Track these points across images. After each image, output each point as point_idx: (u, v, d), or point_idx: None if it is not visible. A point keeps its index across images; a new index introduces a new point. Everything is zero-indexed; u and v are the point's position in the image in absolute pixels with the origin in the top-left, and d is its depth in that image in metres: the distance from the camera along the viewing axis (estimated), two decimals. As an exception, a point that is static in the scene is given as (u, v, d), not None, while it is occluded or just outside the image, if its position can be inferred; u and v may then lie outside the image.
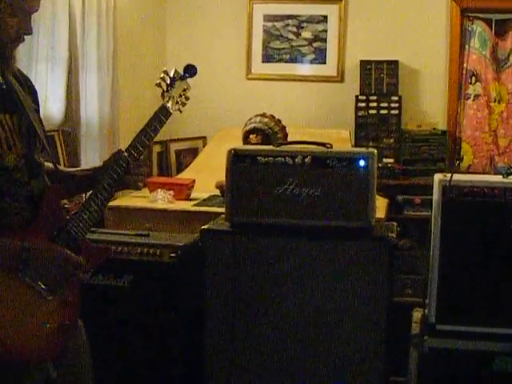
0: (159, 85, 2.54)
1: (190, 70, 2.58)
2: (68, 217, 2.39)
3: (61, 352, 2.33)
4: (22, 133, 2.32)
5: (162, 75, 2.55)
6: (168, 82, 2.53)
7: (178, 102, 2.55)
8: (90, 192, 2.43)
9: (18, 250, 2.18)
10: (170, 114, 2.51)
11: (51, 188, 2.39)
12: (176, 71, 2.57)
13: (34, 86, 2.49)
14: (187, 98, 2.59)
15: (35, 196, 2.33)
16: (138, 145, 2.46)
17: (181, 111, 2.58)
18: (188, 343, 3.68)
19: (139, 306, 3.66)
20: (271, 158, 3.33)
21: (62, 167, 2.79)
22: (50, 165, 2.50)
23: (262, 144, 4.77)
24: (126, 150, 2.46)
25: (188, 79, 2.60)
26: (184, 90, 2.58)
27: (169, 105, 2.51)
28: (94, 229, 3.64)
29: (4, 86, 2.30)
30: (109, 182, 2.41)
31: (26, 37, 2.30)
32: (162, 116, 2.48)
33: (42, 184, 2.38)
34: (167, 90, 2.52)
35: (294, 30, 6.57)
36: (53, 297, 2.28)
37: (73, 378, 2.46)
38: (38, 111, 2.47)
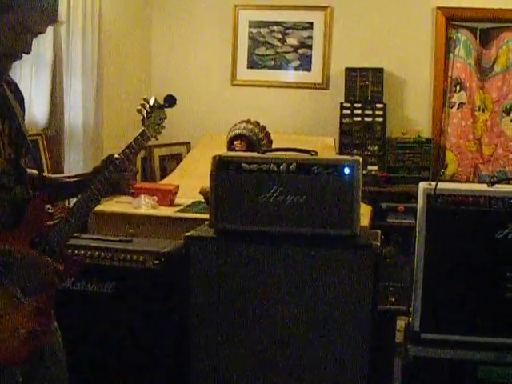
0: (140, 111, 2.59)
1: (170, 100, 2.64)
2: (51, 223, 2.40)
3: (31, 357, 2.33)
4: (10, 138, 2.33)
5: (142, 102, 2.61)
6: (148, 109, 2.59)
7: (155, 129, 2.60)
8: (75, 201, 2.45)
9: (1, 253, 2.18)
10: (149, 137, 2.57)
11: (37, 195, 2.39)
12: (156, 100, 2.62)
13: (22, 94, 2.50)
14: (163, 127, 2.64)
15: (18, 202, 2.33)
16: (119, 166, 2.50)
17: (157, 138, 2.64)
18: (172, 350, 3.66)
19: (122, 313, 3.63)
20: (256, 165, 3.32)
21: (47, 174, 2.81)
22: (35, 171, 2.50)
23: (246, 150, 4.76)
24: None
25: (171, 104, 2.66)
26: (161, 119, 2.63)
27: (147, 130, 2.57)
28: (77, 234, 3.66)
29: None
30: (98, 186, 2.44)
31: None
32: (141, 139, 2.54)
33: (25, 190, 2.38)
34: (147, 117, 2.58)
35: (280, 36, 6.58)
36: (28, 301, 2.27)
37: (49, 382, 2.46)
38: (23, 118, 2.47)
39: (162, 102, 2.63)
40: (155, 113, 2.60)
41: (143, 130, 2.55)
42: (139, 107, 2.60)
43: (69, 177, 2.68)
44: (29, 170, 2.48)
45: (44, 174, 2.59)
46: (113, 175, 2.46)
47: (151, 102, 2.61)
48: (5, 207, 2.28)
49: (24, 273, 2.24)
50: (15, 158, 2.35)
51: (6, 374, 2.27)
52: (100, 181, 2.45)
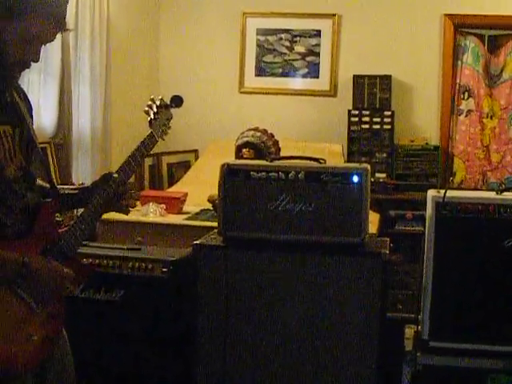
0: (147, 112, 2.60)
1: (176, 101, 2.66)
2: (60, 231, 2.42)
3: (42, 362, 2.36)
4: (21, 145, 2.35)
5: (149, 102, 2.61)
6: (155, 110, 2.60)
7: (162, 131, 2.61)
8: (82, 210, 2.46)
9: (19, 264, 2.20)
10: (157, 140, 2.58)
11: (47, 202, 2.42)
12: (162, 100, 2.64)
13: (30, 102, 2.52)
14: (169, 127, 2.65)
15: (30, 208, 2.35)
16: (126, 168, 2.51)
17: (163, 139, 2.63)
18: (180, 358, 3.65)
19: (130, 321, 3.63)
20: (264, 173, 3.31)
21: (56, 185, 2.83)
22: (45, 183, 2.52)
23: (254, 158, 4.75)
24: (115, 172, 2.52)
25: (175, 107, 2.67)
26: (167, 119, 2.65)
27: (155, 133, 2.57)
28: (85, 242, 3.66)
29: (8, 99, 2.33)
30: (98, 201, 2.45)
31: None
32: (149, 142, 2.55)
33: (36, 197, 2.40)
34: (154, 118, 2.58)
35: (287, 44, 6.59)
36: (41, 309, 2.31)
37: None
38: (32, 125, 2.48)
39: (168, 102, 2.64)
40: (162, 113, 2.61)
41: (151, 133, 2.56)
42: (146, 108, 2.61)
43: (70, 189, 2.70)
44: (39, 181, 2.49)
45: (55, 185, 2.60)
46: (110, 192, 2.47)
47: (158, 101, 2.62)
48: (17, 214, 2.31)
49: (38, 283, 2.27)
50: (26, 165, 2.37)
51: (20, 381, 2.28)
52: (100, 198, 2.46)
